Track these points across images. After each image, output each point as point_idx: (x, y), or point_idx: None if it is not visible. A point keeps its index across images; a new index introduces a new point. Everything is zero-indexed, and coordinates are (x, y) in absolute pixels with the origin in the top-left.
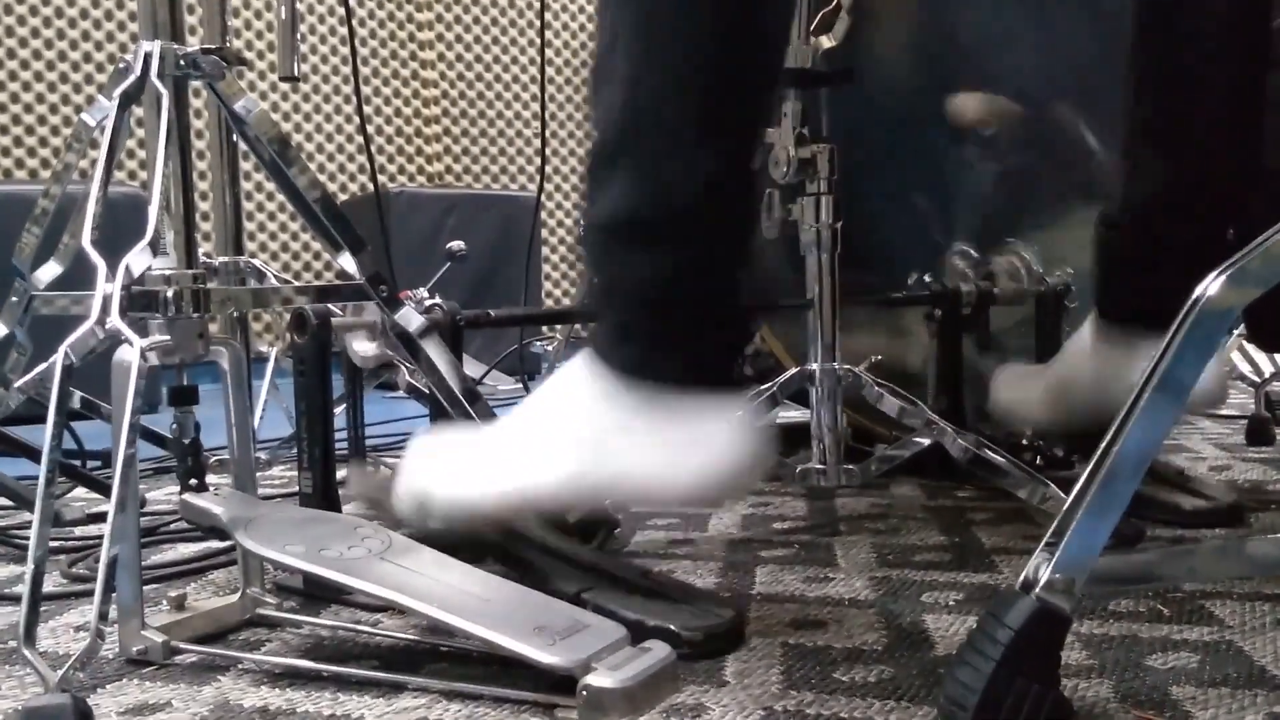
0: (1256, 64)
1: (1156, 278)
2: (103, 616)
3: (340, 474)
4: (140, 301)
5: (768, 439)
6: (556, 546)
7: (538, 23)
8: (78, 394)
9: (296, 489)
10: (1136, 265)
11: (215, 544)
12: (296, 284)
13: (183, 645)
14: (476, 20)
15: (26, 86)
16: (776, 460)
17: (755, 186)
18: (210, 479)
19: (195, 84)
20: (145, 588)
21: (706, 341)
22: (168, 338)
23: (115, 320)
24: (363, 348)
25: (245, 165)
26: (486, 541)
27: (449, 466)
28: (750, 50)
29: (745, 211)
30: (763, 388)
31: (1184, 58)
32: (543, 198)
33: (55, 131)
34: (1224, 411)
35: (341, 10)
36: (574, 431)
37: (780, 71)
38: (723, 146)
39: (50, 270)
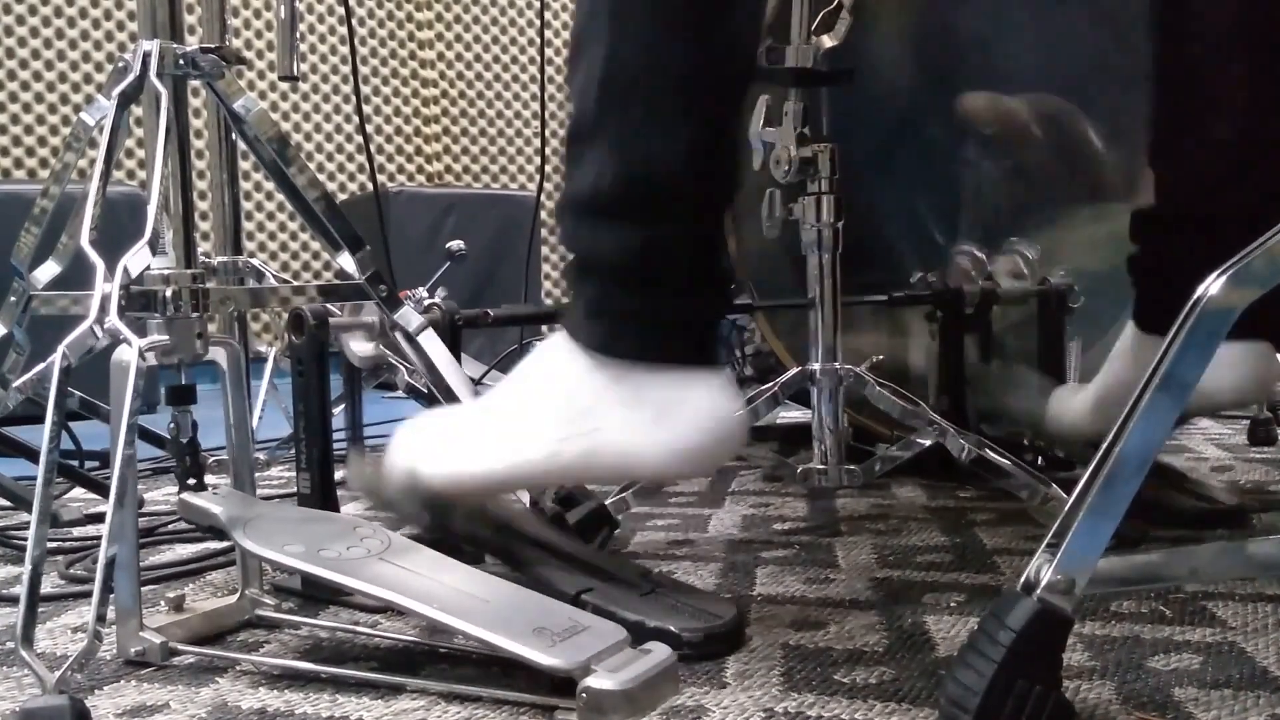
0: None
1: (1184, 293)
2: (101, 617)
3: (339, 475)
4: (139, 301)
5: (743, 412)
6: (557, 545)
7: (538, 22)
8: (76, 394)
9: (295, 489)
10: (1169, 280)
11: (214, 545)
12: (295, 283)
13: (181, 646)
14: (476, 20)
15: (25, 86)
16: (777, 460)
17: (736, 158)
18: (209, 479)
19: (194, 83)
20: (143, 589)
21: (682, 316)
22: (166, 337)
23: (114, 320)
24: (360, 348)
25: (244, 165)
26: (486, 539)
27: (434, 442)
28: (729, 19)
29: (725, 184)
30: (764, 388)
31: (1199, 64)
32: (543, 197)
33: (54, 131)
34: (1226, 412)
35: (341, 9)
36: (552, 407)
37: (758, 39)
38: (702, 118)
39: (49, 270)
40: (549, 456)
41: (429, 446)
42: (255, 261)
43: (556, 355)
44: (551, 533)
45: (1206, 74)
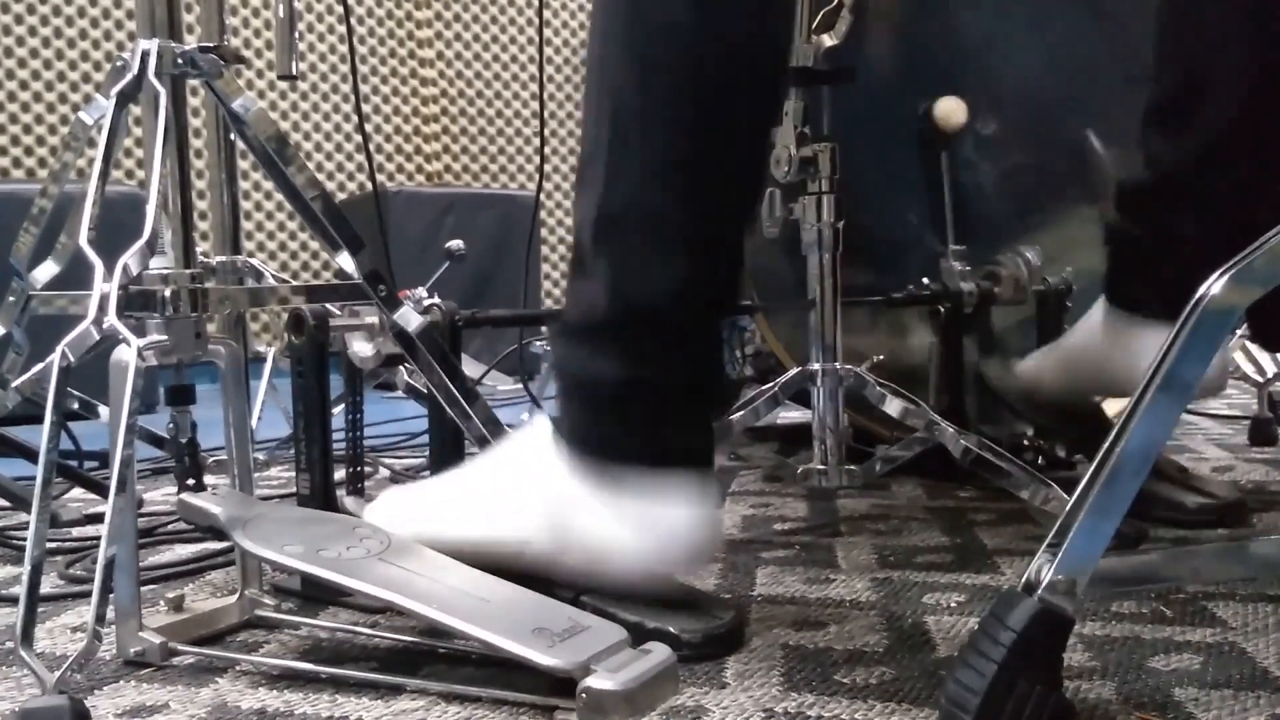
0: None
1: (1163, 271)
2: (100, 618)
3: (339, 475)
4: (138, 301)
5: (720, 522)
6: None
7: (536, 22)
8: (75, 394)
9: (295, 489)
10: (1144, 257)
11: (213, 545)
12: (294, 283)
13: (180, 647)
14: (475, 19)
15: (24, 85)
16: (777, 460)
17: (736, 285)
18: (208, 479)
19: (193, 82)
20: (143, 589)
21: (670, 442)
22: (165, 337)
23: (112, 320)
24: (362, 348)
25: (243, 164)
26: None
27: (414, 509)
28: (730, 149)
29: (719, 309)
30: (764, 388)
31: (1202, 43)
32: (541, 197)
33: (52, 130)
34: (1226, 412)
35: (340, 9)
36: (534, 495)
37: (765, 172)
38: (693, 252)
39: (48, 270)
40: (520, 544)
41: (407, 511)
42: (254, 261)
43: (541, 444)
44: None
45: (1203, 57)
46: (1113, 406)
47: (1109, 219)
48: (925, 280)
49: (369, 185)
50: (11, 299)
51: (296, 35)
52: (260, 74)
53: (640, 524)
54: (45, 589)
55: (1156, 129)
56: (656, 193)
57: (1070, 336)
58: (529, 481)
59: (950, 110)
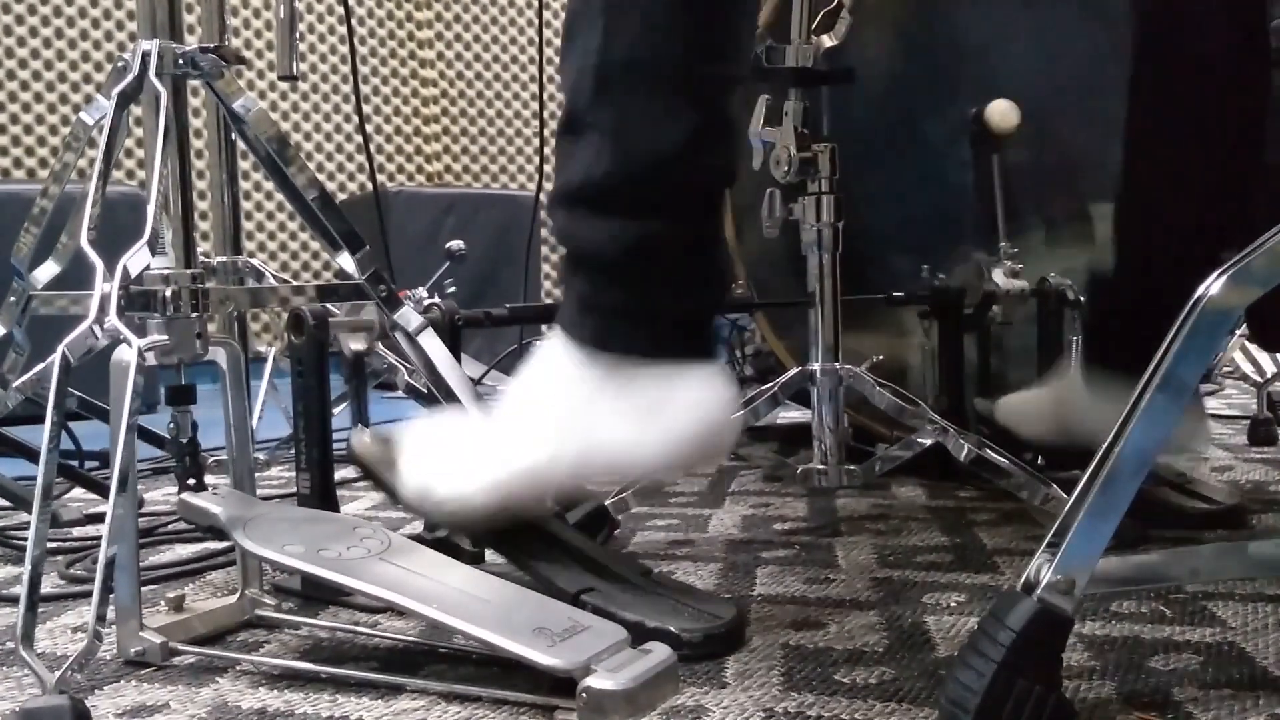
0: (1254, 113)
1: (1137, 340)
2: (100, 618)
3: (339, 475)
4: (138, 301)
5: (738, 405)
6: (560, 537)
7: (536, 22)
8: (76, 394)
9: (295, 489)
10: (1118, 325)
11: (214, 545)
12: (295, 283)
13: (181, 646)
14: (476, 19)
15: (24, 85)
16: (777, 460)
17: (733, 150)
18: (208, 479)
19: (194, 83)
20: (143, 589)
21: (675, 312)
22: (166, 337)
23: (113, 320)
24: (351, 340)
25: (244, 164)
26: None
27: (445, 461)
28: (723, 12)
29: (721, 177)
30: (764, 388)
31: (1179, 96)
32: (542, 197)
33: (53, 130)
34: (1226, 412)
35: (340, 9)
36: (549, 411)
37: (753, 33)
38: (696, 110)
39: (48, 270)
40: (548, 460)
41: (440, 465)
42: (255, 261)
43: (552, 355)
44: (556, 524)
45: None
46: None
47: (1088, 287)
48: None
49: (369, 185)
50: (12, 299)
51: (297, 36)
52: (261, 74)
53: (653, 412)
54: (46, 589)
55: (1133, 210)
56: (662, 39)
57: (1046, 392)
58: (544, 398)
59: (1003, 112)
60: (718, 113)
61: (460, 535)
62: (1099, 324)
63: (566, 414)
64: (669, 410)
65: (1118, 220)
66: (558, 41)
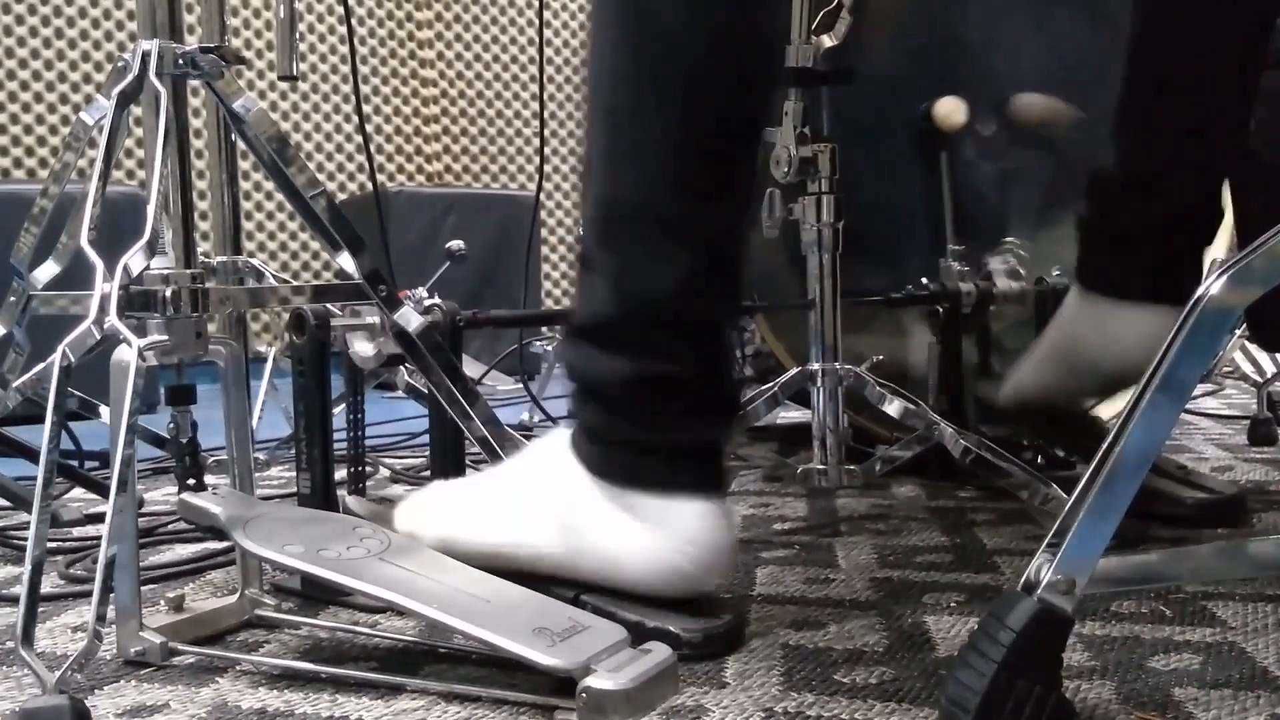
0: (1249, 53)
1: (1139, 250)
2: (100, 617)
3: (339, 475)
4: (138, 301)
5: (734, 538)
6: None
7: (536, 22)
8: (76, 394)
9: (295, 489)
10: (1117, 239)
11: (213, 545)
12: (295, 283)
13: (181, 646)
14: (476, 20)
15: (25, 85)
16: (777, 460)
17: (737, 281)
18: (208, 479)
19: (194, 83)
20: (143, 589)
21: (680, 447)
22: (166, 337)
23: (113, 320)
24: (363, 348)
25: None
26: None
27: (438, 515)
28: (726, 147)
29: (723, 310)
30: (764, 388)
31: (1175, 48)
32: (541, 197)
33: (53, 130)
34: (1226, 412)
35: (340, 9)
36: (547, 504)
37: (754, 166)
38: (694, 246)
39: (48, 270)
40: (536, 549)
41: (433, 519)
42: (255, 261)
43: (558, 455)
44: None
45: (1169, 61)
46: (1109, 410)
47: (1080, 210)
48: (924, 279)
49: (369, 185)
50: (12, 299)
51: (297, 36)
52: (261, 74)
53: (649, 537)
54: (46, 589)
55: (1124, 127)
56: (655, 191)
57: (1046, 335)
58: (546, 490)
59: (950, 110)
60: (716, 253)
61: None
62: (1099, 243)
63: (563, 514)
64: (666, 535)
65: (1120, 129)
66: (557, 41)
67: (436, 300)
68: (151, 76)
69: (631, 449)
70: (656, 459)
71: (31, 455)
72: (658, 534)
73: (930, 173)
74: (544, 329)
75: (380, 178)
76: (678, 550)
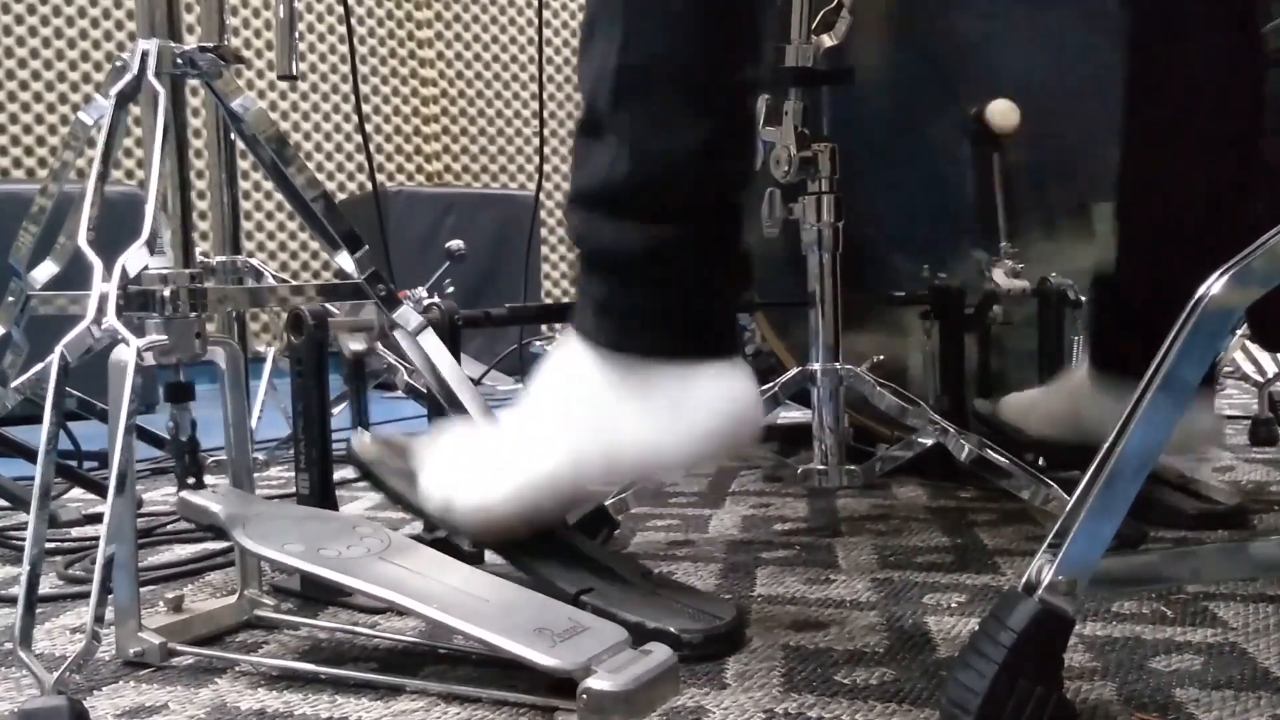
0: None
1: (1143, 340)
2: (99, 618)
3: (339, 474)
4: (137, 301)
5: (759, 399)
6: (560, 537)
7: (536, 22)
8: (74, 394)
9: (294, 489)
10: (1123, 326)
11: (213, 545)
12: (294, 283)
13: (180, 647)
14: (475, 19)
15: (23, 85)
16: (777, 460)
17: (750, 154)
18: (208, 479)
19: (193, 82)
20: (142, 589)
21: (693, 313)
22: (165, 337)
23: (112, 320)
24: (351, 340)
25: (243, 164)
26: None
27: (465, 472)
28: (740, 17)
29: (738, 180)
30: (764, 388)
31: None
32: (541, 196)
33: (52, 130)
34: (1227, 412)
35: (340, 9)
36: (568, 415)
37: (768, 29)
38: (714, 115)
39: (47, 269)
40: (571, 465)
41: (458, 475)
42: (254, 261)
43: (568, 357)
44: (558, 526)
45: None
46: None
47: (1091, 293)
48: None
49: (369, 185)
50: (11, 299)
51: (296, 35)
52: (260, 74)
53: (675, 410)
54: (44, 589)
55: (1134, 214)
56: (681, 43)
57: (1057, 390)
58: (563, 402)
59: (1003, 112)
60: (735, 117)
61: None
62: (1104, 327)
63: (586, 417)
64: (691, 406)
65: (1118, 220)
66: (557, 41)
67: (436, 299)
68: (150, 76)
69: (645, 318)
70: (672, 326)
71: (30, 455)
72: (685, 404)
73: (982, 174)
74: (544, 329)
75: (380, 177)
76: (709, 415)
